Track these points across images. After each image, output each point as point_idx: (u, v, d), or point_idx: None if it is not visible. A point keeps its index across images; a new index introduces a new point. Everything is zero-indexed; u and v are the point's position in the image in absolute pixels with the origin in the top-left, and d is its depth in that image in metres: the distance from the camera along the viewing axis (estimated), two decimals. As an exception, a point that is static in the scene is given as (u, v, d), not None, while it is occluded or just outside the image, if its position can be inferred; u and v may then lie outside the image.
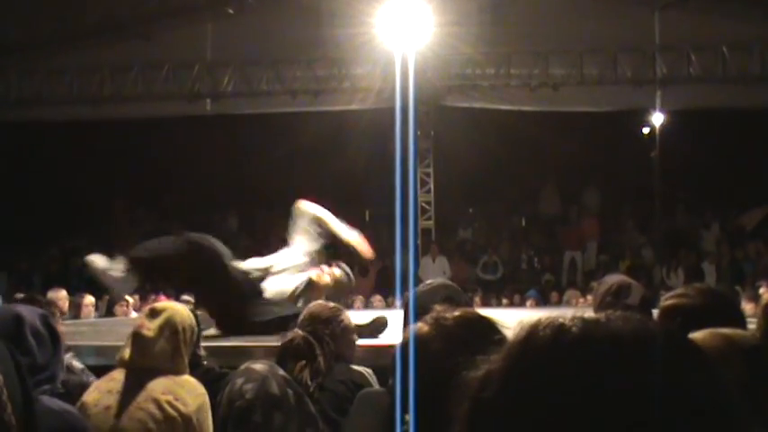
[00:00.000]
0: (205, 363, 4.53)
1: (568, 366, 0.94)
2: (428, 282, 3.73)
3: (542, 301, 16.12)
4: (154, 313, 4.03)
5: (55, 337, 3.15)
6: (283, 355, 3.88)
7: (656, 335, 0.98)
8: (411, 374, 2.17)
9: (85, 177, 20.43)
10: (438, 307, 2.39)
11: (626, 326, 0.98)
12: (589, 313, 1.02)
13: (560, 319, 1.00)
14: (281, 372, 3.43)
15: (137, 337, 3.94)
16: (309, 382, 3.74)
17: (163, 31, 16.74)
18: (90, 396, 3.86)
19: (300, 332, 4.12)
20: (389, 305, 14.49)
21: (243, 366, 3.58)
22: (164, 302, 4.33)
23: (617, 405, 0.91)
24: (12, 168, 19.56)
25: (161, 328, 3.92)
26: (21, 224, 19.58)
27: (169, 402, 3.75)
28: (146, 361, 3.87)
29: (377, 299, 15.21)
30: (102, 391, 3.87)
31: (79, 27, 16.29)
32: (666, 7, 16.24)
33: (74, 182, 20.30)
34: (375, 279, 17.67)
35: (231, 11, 16.70)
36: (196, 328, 4.12)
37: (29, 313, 3.13)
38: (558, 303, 15.96)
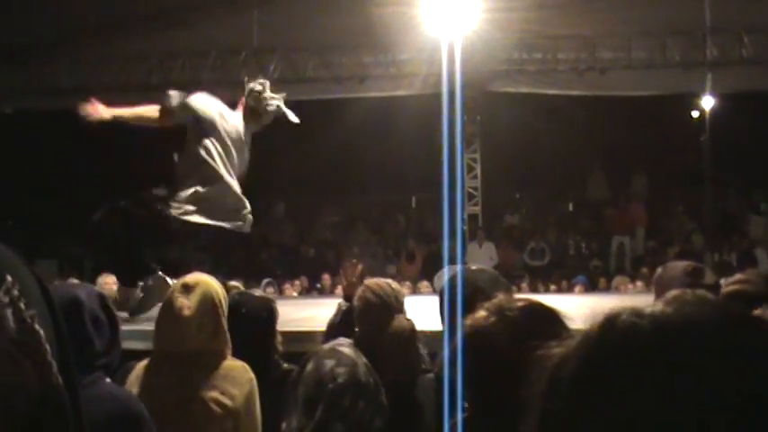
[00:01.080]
0: (284, 365, 4.37)
1: (652, 353, 0.93)
2: (472, 268, 3.69)
3: (590, 288, 16.01)
4: (188, 288, 3.74)
5: (113, 320, 3.11)
6: (389, 344, 3.77)
7: (746, 323, 0.97)
8: (475, 363, 2.15)
9: (133, 163, 20.60)
10: (501, 295, 2.37)
11: (711, 313, 0.97)
12: (668, 300, 1.00)
13: (643, 308, 0.98)
14: (364, 359, 3.40)
15: (175, 320, 3.67)
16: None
17: (209, 19, 16.78)
18: (132, 390, 3.63)
19: (409, 319, 3.98)
20: (437, 291, 14.47)
21: (328, 346, 3.52)
22: (193, 275, 3.92)
23: (700, 396, 0.89)
24: (63, 154, 19.78)
25: (200, 305, 3.67)
26: (70, 210, 19.79)
27: (215, 399, 3.58)
28: (186, 344, 3.65)
29: (424, 285, 15.20)
30: (143, 386, 3.66)
31: (127, 15, 16.39)
32: (717, -12, 16.00)
33: (122, 168, 20.47)
34: (422, 265, 17.66)
35: (277, -3, 16.72)
36: (227, 301, 3.87)
37: (87, 296, 3.06)
38: (607, 289, 15.85)
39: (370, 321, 3.97)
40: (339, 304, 4.78)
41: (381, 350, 3.60)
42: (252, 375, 3.74)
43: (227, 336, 3.76)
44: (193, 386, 3.61)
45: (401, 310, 4.05)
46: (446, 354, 3.48)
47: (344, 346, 3.49)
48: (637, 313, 0.98)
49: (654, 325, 0.96)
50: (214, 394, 3.60)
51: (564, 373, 0.99)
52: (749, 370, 0.91)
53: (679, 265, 4.13)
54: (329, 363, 3.31)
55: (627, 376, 0.93)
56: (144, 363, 3.81)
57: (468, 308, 2.55)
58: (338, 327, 4.50)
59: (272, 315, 4.35)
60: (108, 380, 3.06)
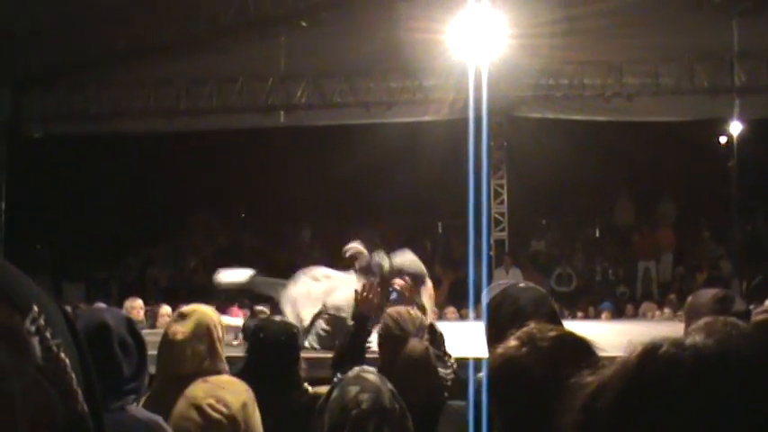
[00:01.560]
0: (309, 388, 4.44)
1: (694, 386, 0.93)
2: (511, 282, 3.64)
3: (617, 314, 15.91)
4: (183, 317, 3.94)
5: (141, 344, 3.12)
6: (406, 368, 3.78)
7: None
8: (504, 393, 2.14)
9: (161, 189, 20.75)
10: (533, 324, 2.34)
11: (753, 346, 0.96)
12: (706, 331, 0.99)
13: (684, 339, 0.98)
14: (389, 385, 3.41)
15: (170, 345, 3.84)
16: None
17: (237, 45, 16.90)
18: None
19: (426, 343, 4.00)
20: (463, 317, 14.44)
21: (352, 374, 3.54)
22: (192, 305, 4.13)
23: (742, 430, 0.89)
24: (89, 180, 19.95)
25: (194, 332, 3.83)
26: (98, 235, 19.94)
27: (211, 406, 3.70)
28: (182, 366, 3.80)
29: (450, 310, 15.16)
30: (145, 405, 3.67)
31: (155, 41, 16.54)
32: (744, 13, 15.93)
33: (149, 193, 20.63)
34: (448, 290, 17.62)
35: (305, 24, 16.80)
36: (224, 327, 4.04)
37: (114, 321, 3.08)
38: (634, 316, 15.74)
39: (389, 348, 4.03)
40: (347, 326, 4.77)
41: (397, 376, 3.61)
42: (248, 388, 3.88)
43: (223, 358, 3.92)
44: (189, 396, 3.75)
45: (420, 336, 4.05)
46: (472, 382, 3.46)
47: (369, 372, 3.49)
48: (677, 344, 0.97)
49: (695, 357, 0.95)
50: (210, 401, 3.73)
51: (600, 404, 0.99)
52: None
53: (708, 293, 4.11)
54: (354, 389, 3.31)
55: (667, 409, 0.93)
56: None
57: (506, 327, 2.54)
58: (347, 349, 4.49)
59: (292, 340, 4.39)
60: (135, 405, 3.07)
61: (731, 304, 3.86)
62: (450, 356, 4.42)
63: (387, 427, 3.22)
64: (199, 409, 3.71)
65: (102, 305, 10.42)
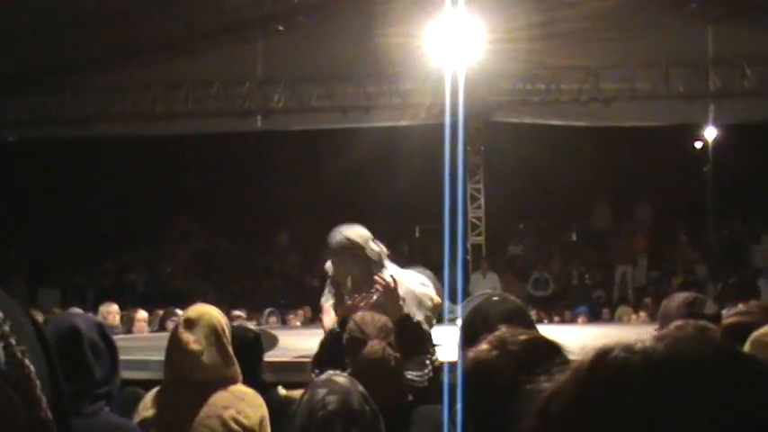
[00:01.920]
0: (280, 391, 4.45)
1: (639, 392, 0.93)
2: (487, 294, 3.66)
3: (593, 318, 15.96)
4: (191, 323, 3.87)
5: (112, 348, 3.11)
6: (364, 370, 3.81)
7: (736, 360, 0.97)
8: (475, 396, 2.15)
9: (138, 193, 20.66)
10: (503, 327, 2.35)
11: (703, 350, 0.97)
12: (661, 336, 1.00)
13: (634, 344, 0.99)
14: (361, 387, 3.42)
15: (185, 355, 3.78)
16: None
17: (214, 49, 16.88)
18: (149, 412, 3.77)
19: (384, 345, 4.03)
20: (439, 321, 14.44)
21: (323, 377, 3.56)
22: (194, 308, 4.06)
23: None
24: (66, 184, 19.84)
25: (207, 338, 3.79)
26: (75, 240, 19.83)
27: (233, 417, 3.70)
28: (201, 375, 3.76)
29: (427, 314, 15.14)
30: (160, 407, 3.79)
31: (132, 46, 16.49)
32: (719, 20, 16.07)
33: (126, 198, 20.54)
34: (425, 295, 17.62)
35: (281, 28, 16.81)
36: (230, 328, 4.01)
37: (85, 325, 3.08)
38: (610, 320, 15.80)
39: (351, 351, 4.06)
40: (331, 330, 4.78)
41: (358, 378, 3.64)
42: (263, 402, 3.87)
43: (236, 364, 3.87)
44: (211, 405, 3.71)
45: (379, 336, 4.08)
46: (446, 385, 3.47)
47: (339, 375, 3.51)
48: (628, 349, 0.98)
49: (644, 362, 0.96)
50: (231, 412, 3.71)
51: (554, 409, 0.99)
52: (737, 407, 0.92)
53: (679, 297, 4.16)
54: (322, 392, 3.34)
55: (617, 414, 0.93)
56: (156, 389, 3.91)
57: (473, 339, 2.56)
58: (327, 353, 4.51)
59: (246, 345, 4.35)
60: (108, 409, 3.05)
61: (702, 307, 3.91)
62: (432, 358, 4.45)
63: (356, 429, 3.23)
64: (220, 418, 3.69)
65: (77, 310, 10.37)
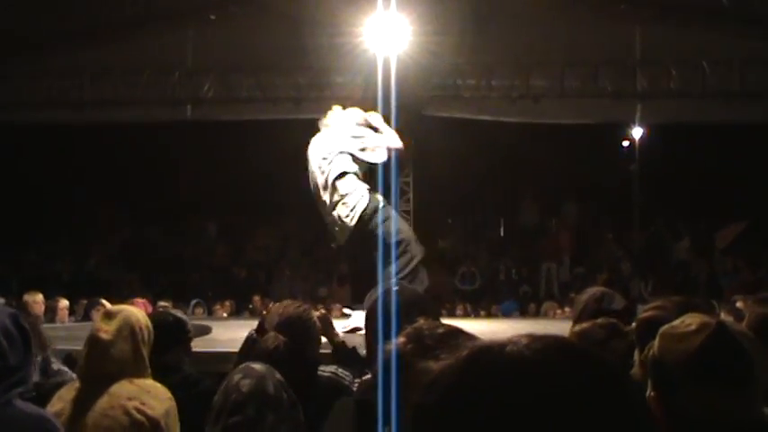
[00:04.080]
0: (184, 368, 4.51)
1: (504, 390, 1.03)
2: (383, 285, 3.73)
3: (520, 313, 16.13)
4: (109, 315, 3.95)
5: (26, 337, 3.09)
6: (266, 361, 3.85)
7: (588, 362, 1.08)
8: (393, 389, 2.15)
9: (64, 182, 20.35)
10: (421, 320, 2.38)
11: (564, 352, 1.08)
12: (527, 335, 1.11)
13: (506, 344, 1.09)
14: (278, 375, 3.45)
15: (94, 342, 3.86)
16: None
17: (143, 36, 16.67)
18: (54, 406, 3.79)
19: (280, 337, 4.07)
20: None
21: (242, 365, 3.59)
22: (119, 306, 4.24)
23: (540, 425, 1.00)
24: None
25: (118, 330, 3.84)
26: (-2, 228, 19.48)
27: (136, 408, 3.70)
28: (106, 366, 3.81)
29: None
30: (65, 400, 3.82)
31: (59, 31, 16.21)
32: (647, 21, 16.30)
33: (52, 186, 20.22)
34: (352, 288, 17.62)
35: (213, 17, 16.66)
36: (152, 330, 4.04)
37: (-1, 314, 3.08)
38: (536, 315, 15.99)
39: (246, 342, 4.27)
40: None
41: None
42: (171, 396, 3.88)
43: (146, 363, 3.93)
44: (115, 395, 3.75)
45: (278, 328, 4.15)
46: (381, 365, 3.51)
47: (257, 363, 3.54)
48: (499, 349, 1.08)
49: (511, 359, 1.06)
50: (135, 403, 3.73)
51: (429, 399, 1.09)
52: (586, 405, 1.02)
53: (590, 291, 4.30)
54: (237, 377, 3.38)
55: (483, 409, 1.03)
56: (69, 384, 4.02)
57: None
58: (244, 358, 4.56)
59: (161, 329, 4.35)
60: (20, 400, 3.01)
61: (610, 302, 4.04)
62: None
63: (271, 414, 3.25)
64: (123, 408, 3.70)
65: (-2, 299, 10.19)
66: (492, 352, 1.08)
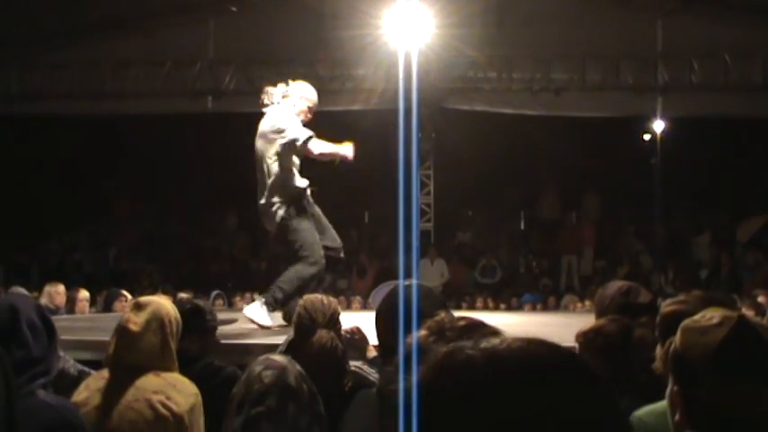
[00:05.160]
0: (206, 358, 4.52)
1: (483, 385, 1.08)
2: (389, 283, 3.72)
3: (540, 306, 16.10)
4: (139, 307, 3.92)
5: (50, 329, 3.11)
6: (312, 357, 3.83)
7: (557, 358, 1.13)
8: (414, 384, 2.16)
9: (86, 173, 20.44)
10: (442, 313, 2.38)
11: (543, 353, 1.13)
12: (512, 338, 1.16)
13: (484, 343, 1.14)
14: (299, 367, 3.45)
15: (123, 333, 3.84)
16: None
17: (165, 28, 16.72)
18: (80, 395, 3.79)
19: (332, 335, 4.05)
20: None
21: (263, 357, 3.59)
22: (148, 296, 4.18)
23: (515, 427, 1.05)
24: (12, 162, 19.57)
25: (147, 322, 3.82)
26: (20, 218, 19.59)
27: (161, 402, 3.68)
28: (133, 357, 3.79)
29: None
30: (91, 390, 3.81)
31: (82, 22, 16.28)
32: (669, 14, 16.24)
33: (74, 177, 20.31)
34: (373, 280, 17.65)
35: (234, 8, 16.69)
36: (181, 322, 4.02)
37: (24, 304, 3.10)
38: (557, 308, 15.95)
39: (299, 334, 4.13)
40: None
41: (304, 364, 3.67)
42: (197, 392, 3.85)
43: (174, 356, 3.89)
44: (141, 388, 3.72)
45: (328, 325, 4.12)
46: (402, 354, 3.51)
47: (278, 355, 3.54)
48: (475, 349, 1.13)
49: (486, 359, 1.11)
50: (161, 397, 3.70)
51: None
52: (565, 407, 1.07)
53: (615, 285, 4.26)
54: (258, 368, 3.39)
55: (459, 408, 1.07)
56: (96, 373, 4.00)
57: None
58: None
59: (184, 318, 4.36)
60: (43, 390, 3.04)
61: (636, 296, 3.99)
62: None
63: (292, 404, 3.26)
64: (148, 402, 3.68)
65: (20, 289, 10.24)
66: (467, 348, 1.13)
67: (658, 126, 18.97)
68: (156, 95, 17.25)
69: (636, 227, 20.18)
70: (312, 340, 4.00)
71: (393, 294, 3.42)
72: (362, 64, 16.48)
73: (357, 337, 4.58)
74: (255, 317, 7.12)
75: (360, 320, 4.77)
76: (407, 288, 3.37)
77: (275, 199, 7.45)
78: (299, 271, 7.45)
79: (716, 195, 19.90)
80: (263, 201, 7.54)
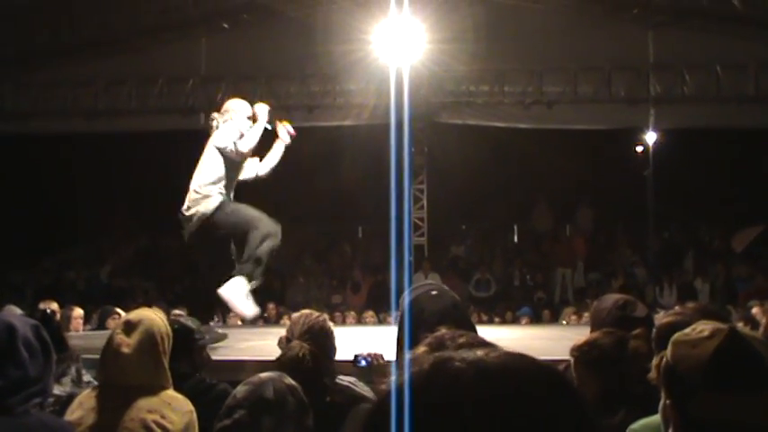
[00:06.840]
0: (197, 375, 4.52)
1: (470, 396, 1.09)
2: (427, 287, 3.64)
3: (535, 319, 16.07)
4: (129, 326, 3.90)
5: (47, 348, 3.10)
6: (288, 370, 3.85)
7: (538, 373, 1.15)
8: (407, 399, 2.16)
9: (79, 191, 20.41)
10: (443, 329, 2.37)
11: (524, 367, 1.16)
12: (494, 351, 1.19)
13: (468, 355, 1.16)
14: (288, 380, 3.45)
15: (115, 356, 3.82)
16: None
17: (157, 45, 16.74)
18: (74, 414, 3.78)
19: (305, 345, 4.09)
20: (382, 321, 14.47)
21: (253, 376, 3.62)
22: (138, 312, 4.09)
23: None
24: (5, 180, 19.53)
25: (140, 343, 3.81)
26: (14, 236, 19.53)
27: (156, 422, 3.68)
28: (128, 379, 3.79)
29: (369, 315, 15.17)
30: (85, 409, 3.79)
31: (74, 40, 16.29)
32: (660, 26, 16.29)
33: (67, 195, 20.28)
34: (367, 295, 17.65)
35: (226, 25, 16.72)
36: (172, 337, 4.02)
37: (21, 324, 3.08)
38: (551, 321, 15.94)
39: (279, 346, 4.31)
40: None
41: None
42: (192, 408, 3.86)
43: (168, 372, 3.90)
44: (136, 408, 3.72)
45: (303, 336, 4.17)
46: (394, 380, 3.49)
47: (269, 372, 3.56)
48: (462, 359, 1.15)
49: (474, 371, 1.12)
50: (155, 416, 3.70)
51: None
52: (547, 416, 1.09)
53: (611, 298, 4.24)
54: (239, 386, 3.42)
55: (447, 417, 1.08)
56: (87, 391, 3.96)
57: (414, 334, 2.60)
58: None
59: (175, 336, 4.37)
60: (39, 410, 3.03)
61: (633, 310, 3.99)
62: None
63: (269, 417, 3.26)
64: (143, 422, 3.68)
65: (14, 308, 10.20)
66: (454, 359, 1.15)
67: (651, 138, 19.01)
68: (148, 112, 17.26)
69: (629, 239, 20.18)
70: (285, 351, 4.06)
71: (410, 305, 3.37)
72: (354, 79, 16.50)
73: (381, 362, 4.60)
74: (237, 304, 7.23)
75: (354, 335, 4.78)
76: (430, 296, 3.30)
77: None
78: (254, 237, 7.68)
79: (709, 206, 19.93)
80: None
